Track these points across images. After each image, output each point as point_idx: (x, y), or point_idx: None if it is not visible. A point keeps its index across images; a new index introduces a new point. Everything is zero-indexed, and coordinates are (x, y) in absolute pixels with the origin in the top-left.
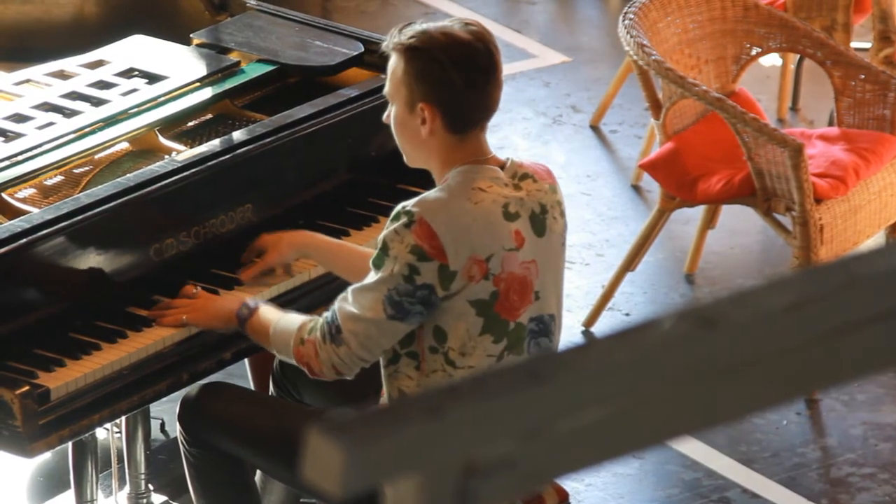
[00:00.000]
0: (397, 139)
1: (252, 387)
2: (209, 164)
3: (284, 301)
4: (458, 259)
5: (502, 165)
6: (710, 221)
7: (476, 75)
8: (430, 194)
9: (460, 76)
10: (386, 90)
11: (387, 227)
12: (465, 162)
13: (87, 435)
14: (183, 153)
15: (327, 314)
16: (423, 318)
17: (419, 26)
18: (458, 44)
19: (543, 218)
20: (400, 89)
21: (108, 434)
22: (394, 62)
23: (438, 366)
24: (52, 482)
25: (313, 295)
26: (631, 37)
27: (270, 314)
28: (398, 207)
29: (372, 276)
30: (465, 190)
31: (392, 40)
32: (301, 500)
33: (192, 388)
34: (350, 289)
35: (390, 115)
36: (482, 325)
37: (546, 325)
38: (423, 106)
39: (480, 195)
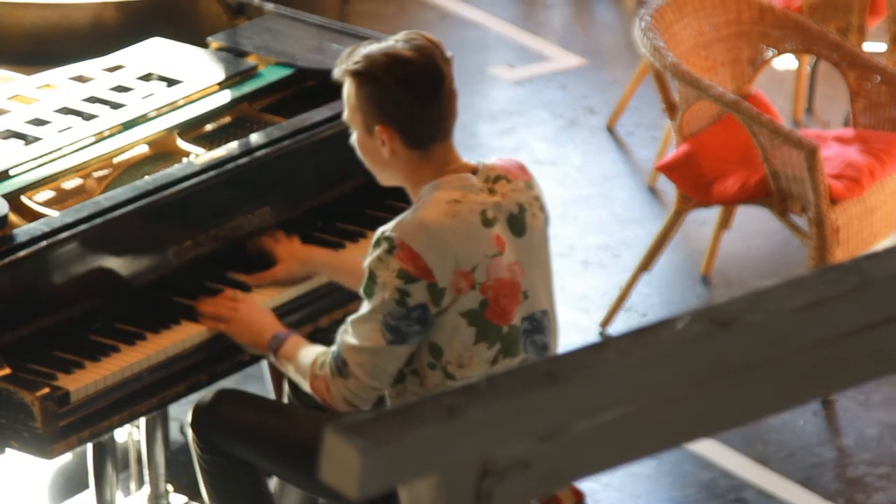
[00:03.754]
0: (364, 162)
1: (270, 387)
2: (228, 167)
3: (294, 307)
4: (444, 275)
5: (474, 171)
6: (725, 222)
7: (424, 90)
8: (407, 216)
9: (407, 94)
10: (344, 115)
11: (370, 255)
12: (434, 176)
13: (106, 436)
14: (201, 156)
15: (334, 348)
16: (423, 337)
17: (364, 49)
18: (400, 62)
19: (522, 217)
20: (355, 114)
21: (128, 435)
22: (346, 88)
23: (439, 380)
24: (71, 483)
25: (321, 302)
26: (647, 39)
27: (294, 348)
28: (378, 233)
29: (365, 306)
30: (440, 205)
31: (340, 67)
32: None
33: (205, 395)
34: (349, 320)
35: (353, 139)
36: (475, 335)
37: (538, 322)
38: (379, 128)
39: (456, 207)
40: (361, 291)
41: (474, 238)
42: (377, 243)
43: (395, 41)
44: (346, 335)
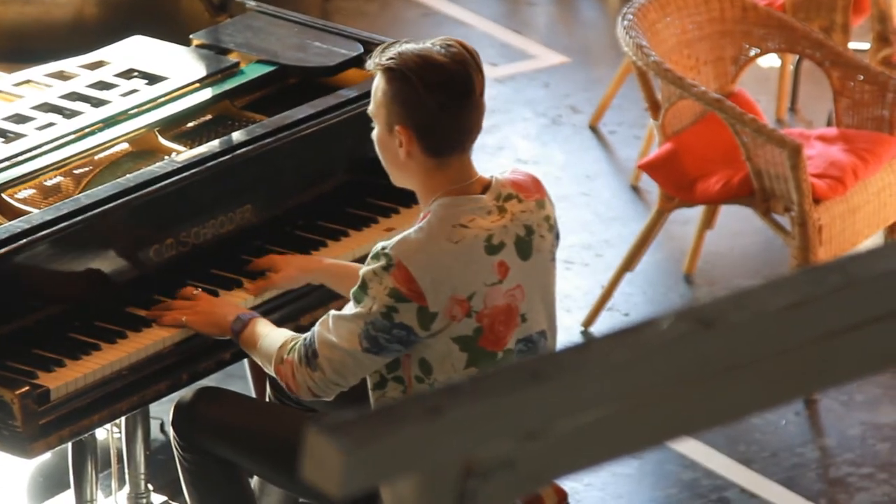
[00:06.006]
0: (380, 158)
1: (251, 387)
2: (209, 164)
3: (276, 305)
4: (438, 301)
5: (486, 186)
6: (708, 222)
7: (451, 99)
8: (410, 235)
9: (434, 100)
10: (370, 108)
11: (367, 264)
12: (446, 188)
13: (86, 435)
14: (182, 154)
15: (307, 336)
16: (400, 354)
17: (400, 47)
18: (433, 67)
19: (530, 240)
20: (380, 110)
21: (108, 434)
22: (376, 81)
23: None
24: (51, 482)
25: (303, 301)
26: (630, 38)
27: (260, 329)
28: (378, 247)
29: (351, 308)
30: (445, 228)
31: (374, 59)
32: (299, 503)
33: (186, 394)
34: (331, 314)
35: (374, 133)
36: (467, 360)
37: (534, 344)
38: (399, 129)
39: (461, 232)
40: (351, 294)
41: (475, 266)
42: (376, 256)
43: (431, 44)
44: (325, 328)
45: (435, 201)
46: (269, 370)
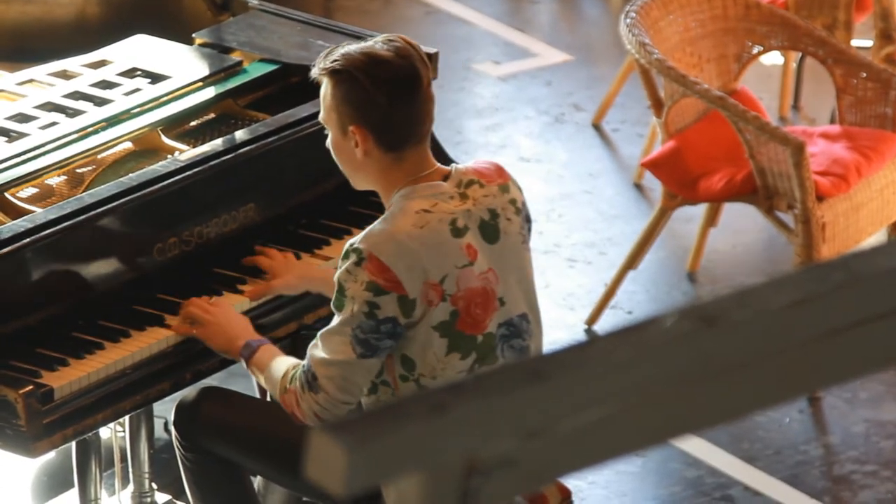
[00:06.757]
0: (338, 164)
1: (254, 386)
2: (212, 163)
3: (278, 304)
4: (414, 287)
5: (446, 176)
6: (711, 220)
7: (400, 92)
8: (376, 227)
9: (384, 95)
10: (320, 116)
11: (339, 267)
12: (406, 181)
13: (90, 434)
14: (185, 153)
15: (304, 363)
16: (393, 350)
17: (342, 49)
18: (379, 63)
19: (495, 223)
20: (331, 114)
21: (112, 433)
22: (323, 88)
23: (412, 392)
24: (55, 481)
25: (305, 300)
26: (633, 35)
27: (267, 358)
28: (346, 246)
29: (335, 319)
30: (409, 215)
31: (318, 66)
32: (302, 502)
33: (188, 393)
34: (318, 334)
35: (328, 140)
36: (447, 346)
37: (516, 327)
38: (353, 129)
39: (425, 217)
40: (332, 305)
41: (444, 249)
42: (346, 255)
43: (373, 42)
44: (316, 349)
45: (396, 194)
46: (276, 398)
